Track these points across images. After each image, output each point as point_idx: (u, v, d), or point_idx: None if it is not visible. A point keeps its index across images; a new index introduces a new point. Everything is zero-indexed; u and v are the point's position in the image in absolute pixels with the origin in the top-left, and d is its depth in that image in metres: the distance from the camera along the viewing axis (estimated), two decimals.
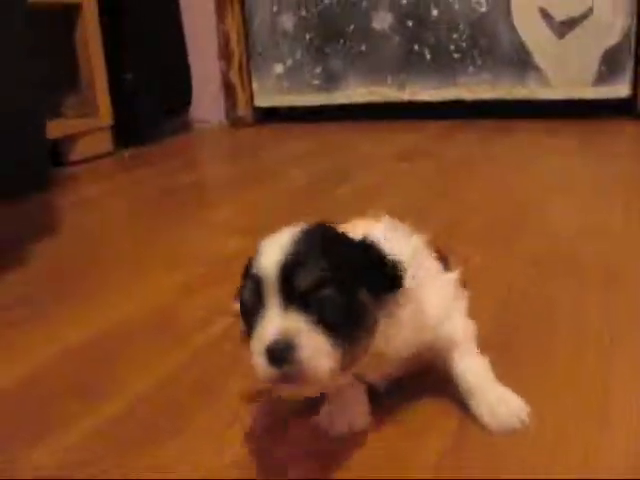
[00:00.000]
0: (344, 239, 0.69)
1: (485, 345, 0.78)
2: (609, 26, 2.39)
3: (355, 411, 0.75)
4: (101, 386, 0.88)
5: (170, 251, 1.39)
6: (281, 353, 0.60)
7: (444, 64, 2.58)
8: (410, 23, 2.60)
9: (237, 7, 2.77)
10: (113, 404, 0.83)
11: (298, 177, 1.94)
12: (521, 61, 2.50)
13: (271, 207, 1.67)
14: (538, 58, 2.49)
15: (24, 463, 0.73)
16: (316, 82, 2.75)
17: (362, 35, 2.66)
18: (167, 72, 2.70)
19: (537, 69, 2.49)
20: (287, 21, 2.73)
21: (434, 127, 2.51)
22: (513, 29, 2.49)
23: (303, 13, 2.71)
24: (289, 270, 0.63)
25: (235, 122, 2.86)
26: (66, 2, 2.32)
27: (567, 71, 2.46)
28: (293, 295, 0.62)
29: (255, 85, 2.83)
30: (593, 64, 2.43)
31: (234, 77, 2.82)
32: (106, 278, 1.27)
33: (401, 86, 2.65)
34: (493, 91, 2.54)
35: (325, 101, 2.74)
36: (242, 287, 0.67)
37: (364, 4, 2.63)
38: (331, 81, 2.73)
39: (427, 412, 0.77)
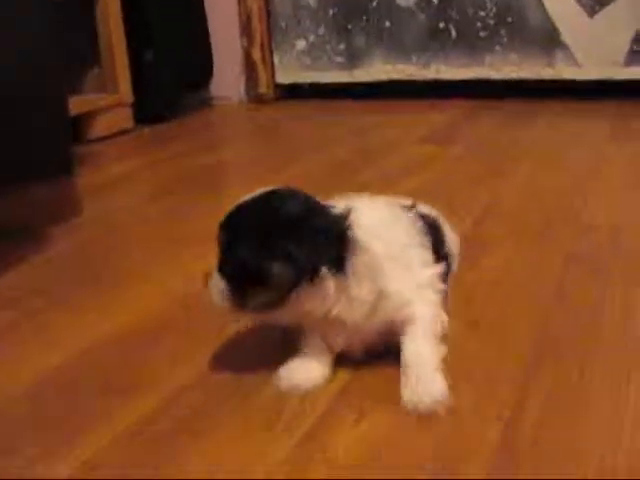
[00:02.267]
0: (288, 204, 0.80)
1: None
2: None
3: (312, 367, 0.82)
4: (134, 381, 0.86)
5: (195, 236, 1.35)
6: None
7: (470, 42, 2.53)
8: (435, 0, 2.54)
9: None
10: (147, 400, 0.81)
11: (320, 159, 1.91)
12: (549, 40, 2.44)
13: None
14: (567, 37, 2.43)
15: (62, 459, 0.72)
16: (339, 59, 2.69)
17: (386, 11, 2.60)
18: (188, 48, 2.65)
19: (566, 48, 2.43)
20: None
21: (460, 107, 2.46)
22: (541, 6, 2.43)
23: None
24: (221, 231, 0.81)
25: (256, 99, 2.82)
26: None
27: (597, 51, 2.40)
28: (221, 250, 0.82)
29: (277, 61, 2.78)
30: (625, 44, 2.37)
31: (255, 53, 2.78)
32: (131, 265, 1.26)
33: (426, 64, 2.59)
34: (520, 71, 2.49)
35: (348, 78, 2.69)
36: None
37: None
38: (354, 58, 2.67)
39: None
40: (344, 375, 0.84)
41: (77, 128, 2.25)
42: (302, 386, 0.81)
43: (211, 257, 1.20)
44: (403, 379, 0.78)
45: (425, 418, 0.74)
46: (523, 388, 0.78)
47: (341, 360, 0.85)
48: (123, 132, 2.38)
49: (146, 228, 1.48)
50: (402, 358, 0.80)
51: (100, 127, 2.32)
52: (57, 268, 1.26)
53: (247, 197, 0.82)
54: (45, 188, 1.77)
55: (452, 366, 0.81)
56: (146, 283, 1.15)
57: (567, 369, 0.81)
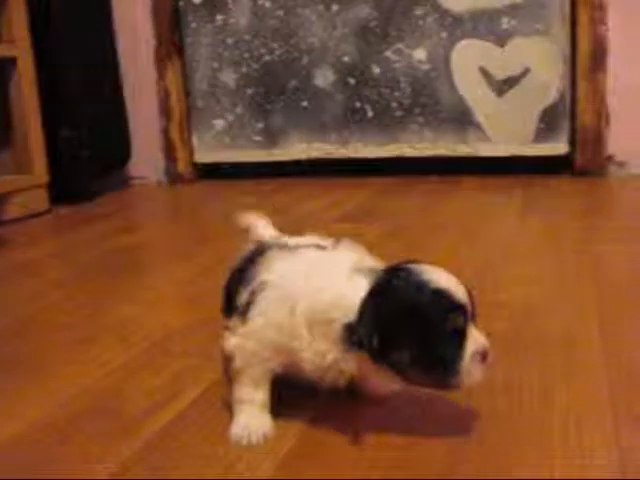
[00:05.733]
0: None
1: None
2: (546, 86, 2.44)
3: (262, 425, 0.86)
4: None
5: (109, 326, 1.31)
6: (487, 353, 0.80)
7: (386, 121, 2.59)
8: (352, 80, 2.60)
9: (177, 63, 2.74)
10: None
11: (237, 240, 1.89)
12: (462, 119, 2.53)
13: (210, 276, 1.59)
14: (479, 116, 2.52)
15: None
16: (257, 138, 2.72)
17: (304, 92, 2.66)
18: (106, 127, 2.63)
19: (478, 126, 2.52)
20: (228, 77, 2.71)
21: (378, 184, 2.50)
22: (454, 87, 2.52)
23: (244, 69, 2.69)
24: (472, 299, 0.82)
25: (175, 179, 2.81)
26: (0, 55, 2.25)
27: (507, 128, 2.50)
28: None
29: (195, 141, 2.78)
30: (532, 122, 2.47)
31: (174, 133, 2.78)
32: (40, 357, 1.19)
33: (344, 143, 2.64)
34: (435, 148, 2.56)
35: (267, 157, 2.72)
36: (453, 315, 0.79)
37: (306, 61, 2.63)
38: (273, 137, 2.70)
39: None
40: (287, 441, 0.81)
41: None
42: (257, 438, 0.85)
43: (120, 350, 1.17)
44: None
45: None
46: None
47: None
48: (39, 214, 2.32)
49: (56, 317, 1.41)
50: None
51: (13, 209, 2.27)
52: None
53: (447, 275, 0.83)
54: None
55: None
56: (54, 378, 1.10)
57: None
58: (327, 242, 0.94)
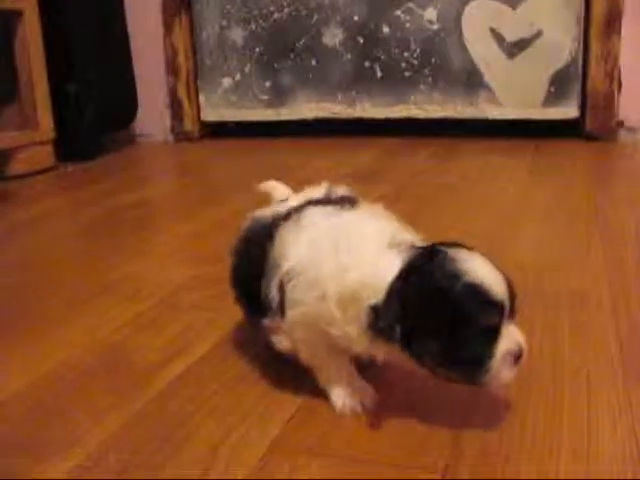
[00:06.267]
0: None
1: None
2: (558, 49, 2.41)
3: (359, 392, 0.82)
4: (50, 440, 0.81)
5: (116, 281, 1.31)
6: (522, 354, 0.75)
7: (395, 82, 2.57)
8: (361, 40, 2.57)
9: (185, 20, 2.70)
10: (67, 462, 0.76)
11: (245, 197, 1.88)
12: (472, 80, 2.50)
13: (218, 234, 1.59)
14: (488, 78, 2.49)
15: None
16: (265, 97, 2.70)
17: (312, 50, 2.63)
18: (112, 84, 2.61)
19: (487, 89, 2.50)
20: (236, 35, 2.68)
21: (385, 145, 2.48)
22: (464, 48, 2.49)
23: (253, 27, 2.66)
24: (512, 293, 0.75)
25: (181, 137, 2.79)
26: (6, 8, 2.22)
27: (517, 91, 2.47)
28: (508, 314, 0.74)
29: (202, 99, 2.76)
30: (542, 85, 2.45)
31: (181, 91, 2.75)
32: (46, 312, 1.19)
33: (351, 103, 2.62)
34: (444, 110, 2.53)
35: (274, 116, 2.70)
36: (486, 311, 0.72)
37: (315, 19, 2.60)
38: (280, 96, 2.68)
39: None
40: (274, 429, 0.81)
41: None
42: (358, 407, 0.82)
43: (128, 305, 1.17)
44: None
45: (361, 470, 0.72)
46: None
47: (273, 413, 0.83)
48: (44, 170, 2.31)
49: (63, 273, 1.41)
50: None
51: (19, 165, 2.26)
52: None
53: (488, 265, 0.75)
54: None
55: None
56: (62, 331, 1.10)
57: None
58: (333, 192, 0.91)
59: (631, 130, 2.42)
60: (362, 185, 1.96)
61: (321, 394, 0.84)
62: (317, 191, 0.94)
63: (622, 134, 2.42)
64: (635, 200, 1.70)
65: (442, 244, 0.76)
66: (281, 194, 1.01)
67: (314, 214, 0.84)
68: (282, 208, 0.90)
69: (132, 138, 2.82)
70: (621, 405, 0.81)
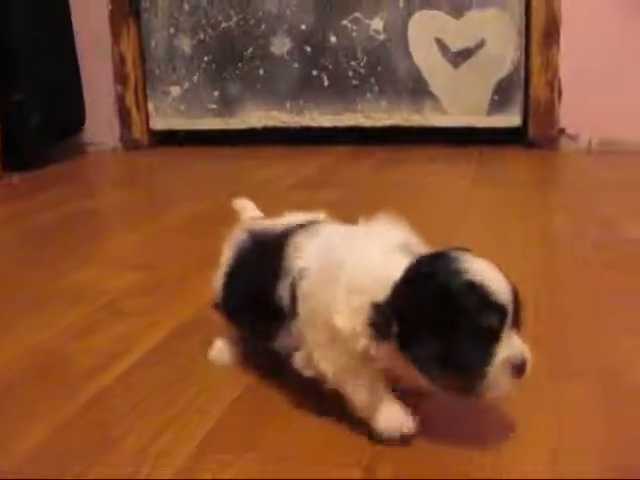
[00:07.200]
0: None
1: None
2: (501, 58, 2.47)
3: (403, 413, 0.77)
4: None
5: (60, 289, 1.31)
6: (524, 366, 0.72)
7: (342, 90, 2.60)
8: (309, 49, 2.60)
9: (133, 29, 2.70)
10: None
11: (193, 206, 1.89)
12: (417, 89, 2.54)
13: (164, 241, 1.61)
14: (434, 87, 2.54)
15: None
16: (213, 106, 2.71)
17: (260, 59, 2.65)
18: (58, 93, 2.60)
19: (433, 97, 2.54)
20: (184, 44, 2.69)
21: (332, 153, 2.51)
22: (410, 58, 2.53)
23: (201, 36, 2.67)
24: (517, 303, 0.73)
25: (130, 145, 2.79)
26: None
27: (462, 100, 2.52)
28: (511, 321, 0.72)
29: (151, 108, 2.76)
30: (486, 94, 2.50)
31: (129, 99, 2.75)
32: None
33: (299, 111, 2.64)
34: (390, 118, 2.57)
35: (222, 125, 2.71)
36: (486, 312, 0.70)
37: (263, 28, 2.62)
38: (228, 105, 2.69)
39: None
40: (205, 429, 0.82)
41: None
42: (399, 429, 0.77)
43: (70, 311, 1.17)
44: None
45: (290, 468, 0.74)
46: None
47: (204, 414, 0.84)
48: None
49: (7, 280, 1.41)
50: None
51: None
52: None
53: (494, 270, 0.74)
54: None
55: None
56: (1, 340, 1.10)
57: None
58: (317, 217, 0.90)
59: (572, 137, 2.48)
60: (309, 192, 1.99)
61: (252, 393, 0.86)
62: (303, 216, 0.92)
63: (563, 142, 2.48)
64: (572, 206, 1.75)
65: (450, 249, 0.76)
66: (251, 212, 1.04)
67: (327, 225, 0.87)
68: (289, 222, 0.90)
69: (81, 147, 2.81)
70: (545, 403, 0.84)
